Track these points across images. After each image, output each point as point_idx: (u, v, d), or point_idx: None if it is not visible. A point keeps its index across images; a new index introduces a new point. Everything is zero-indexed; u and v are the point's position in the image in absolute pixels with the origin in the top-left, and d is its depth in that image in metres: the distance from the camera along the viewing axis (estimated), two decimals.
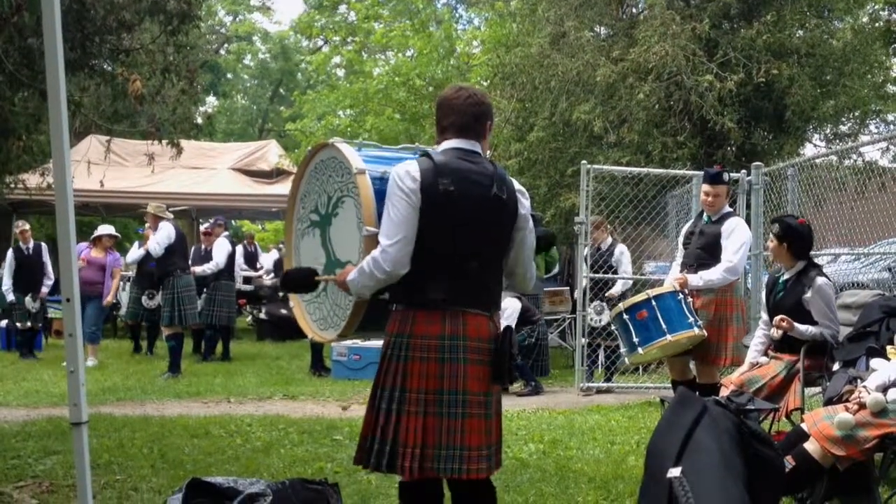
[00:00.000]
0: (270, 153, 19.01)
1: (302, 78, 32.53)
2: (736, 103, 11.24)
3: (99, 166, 12.93)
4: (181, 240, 10.91)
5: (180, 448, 6.01)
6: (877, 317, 5.22)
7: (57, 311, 13.89)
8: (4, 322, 13.25)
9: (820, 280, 5.54)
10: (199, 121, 14.45)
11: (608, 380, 9.84)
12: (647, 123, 11.64)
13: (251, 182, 17.86)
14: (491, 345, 3.30)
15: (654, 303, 6.04)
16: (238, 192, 17.34)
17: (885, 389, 4.30)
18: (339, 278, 3.39)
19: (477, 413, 3.24)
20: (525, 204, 3.48)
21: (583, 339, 9.51)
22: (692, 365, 6.48)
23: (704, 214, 6.43)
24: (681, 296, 6.05)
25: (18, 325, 12.07)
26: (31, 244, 12.19)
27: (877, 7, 13.84)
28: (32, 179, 11.70)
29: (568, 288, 12.36)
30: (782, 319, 5.48)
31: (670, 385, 6.93)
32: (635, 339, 6.07)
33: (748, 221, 8.88)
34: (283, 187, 15.95)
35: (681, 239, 6.71)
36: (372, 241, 3.31)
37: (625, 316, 6.14)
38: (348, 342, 9.57)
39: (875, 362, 4.73)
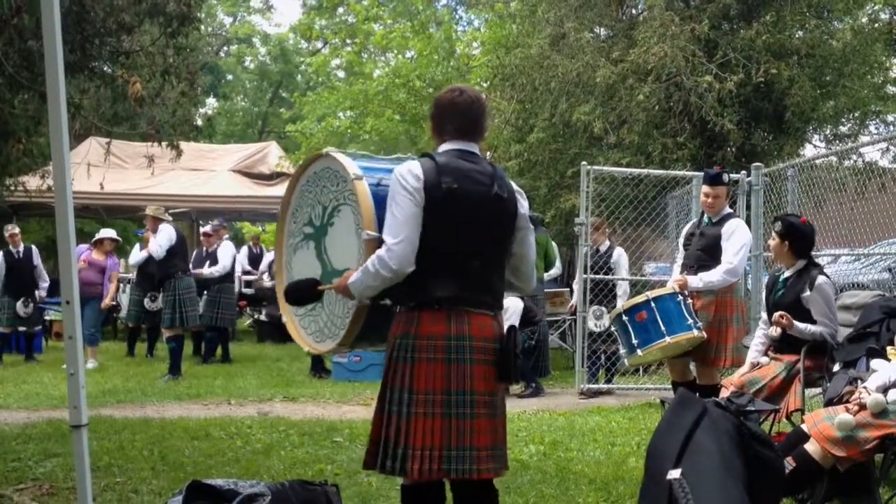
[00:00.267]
0: (271, 155, 19.01)
1: (302, 80, 32.55)
2: (736, 104, 11.24)
3: (99, 168, 12.96)
4: (182, 242, 10.90)
5: (180, 450, 6.01)
6: (877, 317, 5.21)
7: (57, 314, 13.90)
8: None
9: (820, 278, 5.54)
10: (199, 122, 14.44)
11: (608, 381, 9.81)
12: (646, 124, 11.64)
13: (251, 184, 17.85)
14: (496, 344, 3.31)
15: (653, 304, 6.04)
16: (238, 194, 17.33)
17: (885, 390, 4.29)
18: (340, 283, 3.38)
19: (484, 413, 3.26)
20: (524, 204, 3.50)
21: (583, 342, 9.49)
22: (692, 366, 6.48)
23: (705, 216, 6.43)
24: (680, 297, 6.04)
25: (7, 329, 12.02)
26: (21, 248, 12.10)
27: (876, 7, 13.84)
28: (32, 182, 11.71)
29: (568, 289, 12.35)
30: (781, 316, 5.48)
31: (670, 386, 6.93)
32: (634, 341, 6.07)
33: (748, 222, 8.88)
34: (283, 189, 15.94)
35: (681, 240, 6.71)
36: (372, 244, 3.32)
37: (624, 317, 6.15)
38: None
39: (875, 363, 4.72)
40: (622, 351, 6.38)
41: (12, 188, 12.69)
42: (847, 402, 4.36)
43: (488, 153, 15.68)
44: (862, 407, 4.17)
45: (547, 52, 12.45)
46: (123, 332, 14.97)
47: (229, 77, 33.97)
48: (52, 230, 18.10)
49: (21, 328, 12.16)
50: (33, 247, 12.52)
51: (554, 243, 11.36)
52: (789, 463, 4.19)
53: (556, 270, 11.17)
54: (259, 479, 4.51)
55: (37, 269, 12.13)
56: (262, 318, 15.59)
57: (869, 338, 5.11)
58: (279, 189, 16.85)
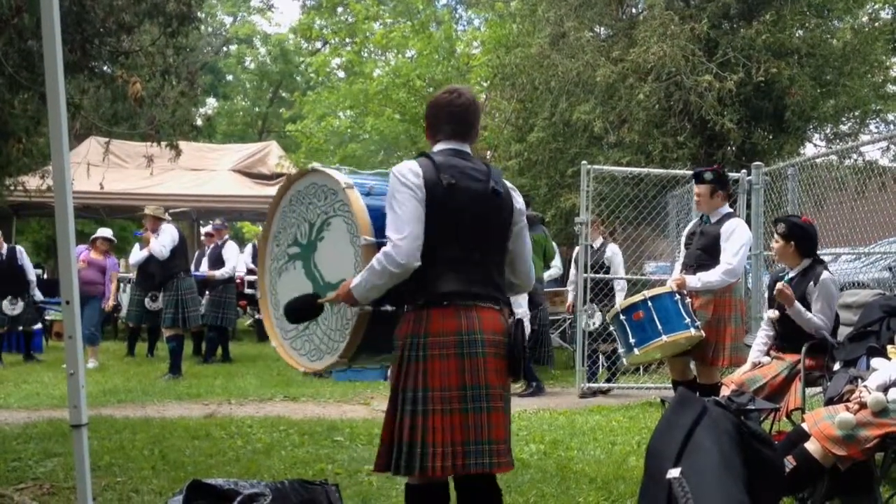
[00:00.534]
0: (271, 155, 19.02)
1: (301, 80, 32.54)
2: (736, 103, 11.25)
3: (99, 168, 12.95)
4: (183, 242, 10.90)
5: (181, 450, 6.01)
6: (877, 316, 5.21)
7: (56, 314, 13.90)
8: None
9: (825, 274, 5.56)
10: (199, 122, 14.45)
11: (608, 380, 9.79)
12: (646, 124, 11.64)
13: (252, 183, 17.86)
14: (505, 338, 3.34)
15: (650, 303, 6.04)
16: (239, 194, 17.34)
17: (885, 389, 4.29)
18: (342, 290, 3.38)
19: (498, 406, 3.29)
20: (519, 200, 3.54)
21: (582, 341, 9.48)
22: (693, 365, 6.48)
23: (705, 215, 6.44)
24: (678, 296, 6.04)
25: None
26: (3, 249, 12.04)
27: (877, 6, 13.85)
28: (32, 182, 11.71)
29: (568, 289, 12.36)
30: (786, 287, 5.49)
31: (671, 385, 6.93)
32: (632, 340, 6.08)
33: (748, 221, 8.89)
34: None
35: (683, 239, 6.72)
36: (370, 249, 3.35)
37: (621, 317, 6.16)
38: None
39: (876, 362, 4.72)
40: (621, 350, 6.38)
41: (12, 188, 12.70)
42: (847, 400, 4.36)
43: (488, 152, 15.70)
44: (862, 406, 4.17)
45: (547, 52, 12.46)
46: (124, 331, 14.97)
47: (229, 77, 33.97)
48: (52, 230, 18.13)
49: (18, 327, 12.11)
50: (17, 246, 12.44)
51: (553, 243, 11.35)
52: (790, 462, 4.19)
53: (556, 270, 11.12)
54: (259, 479, 4.51)
55: (22, 269, 12.02)
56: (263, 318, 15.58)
57: (869, 336, 5.11)
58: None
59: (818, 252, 5.90)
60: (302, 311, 3.58)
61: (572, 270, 10.28)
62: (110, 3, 7.38)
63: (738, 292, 6.31)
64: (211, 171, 18.22)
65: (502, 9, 16.98)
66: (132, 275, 12.70)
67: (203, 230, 14.32)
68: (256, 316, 16.04)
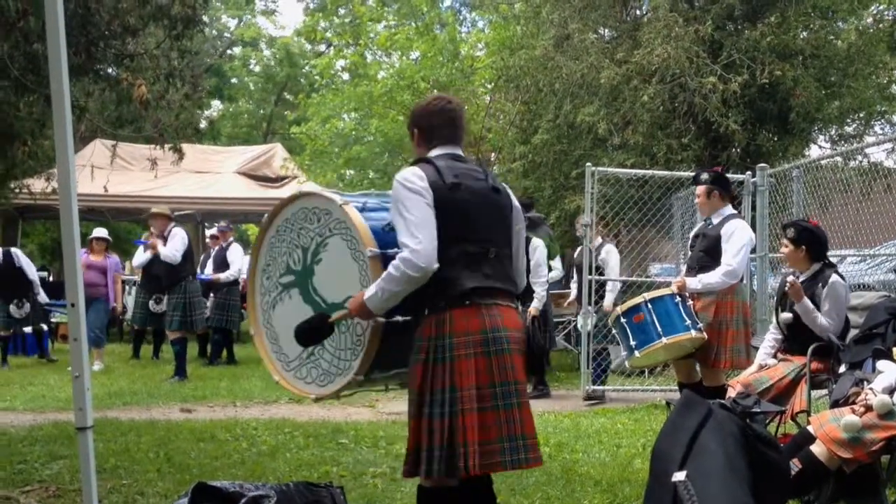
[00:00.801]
0: (276, 157, 19.04)
1: (306, 82, 32.56)
2: (740, 105, 11.23)
3: (103, 171, 12.98)
4: (190, 244, 10.92)
5: (186, 452, 6.01)
6: (883, 318, 5.20)
7: (62, 316, 13.92)
8: None
9: (834, 277, 5.55)
10: (204, 125, 14.47)
11: (603, 382, 9.68)
12: (651, 125, 11.63)
13: (256, 186, 17.89)
14: (524, 335, 3.41)
15: (649, 306, 6.06)
16: (243, 196, 17.36)
17: (891, 391, 4.28)
18: (354, 305, 3.37)
19: (525, 402, 3.35)
20: (514, 198, 3.64)
21: (587, 343, 9.44)
22: (699, 367, 6.47)
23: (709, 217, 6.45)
24: (678, 298, 6.05)
25: (3, 332, 12.02)
26: None
27: (881, 8, 13.82)
28: (38, 184, 11.73)
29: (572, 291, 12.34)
30: (796, 281, 5.49)
31: (677, 387, 6.92)
32: (632, 343, 6.09)
33: (753, 223, 8.88)
34: (289, 191, 15.97)
35: (689, 242, 6.72)
36: (376, 261, 3.37)
37: (622, 319, 6.18)
38: None
39: (881, 364, 4.71)
40: (623, 353, 6.38)
41: (17, 190, 12.72)
42: (853, 403, 4.35)
43: (493, 154, 15.69)
44: (868, 408, 4.16)
45: (551, 54, 12.45)
46: (129, 334, 14.99)
47: (233, 80, 33.99)
48: (57, 232, 18.15)
49: (25, 328, 12.13)
50: (13, 249, 12.43)
51: (556, 244, 11.31)
52: (795, 465, 4.19)
53: (556, 273, 11.05)
54: (264, 481, 4.51)
55: (21, 271, 12.01)
56: None
57: (875, 339, 5.10)
58: (284, 191, 16.88)
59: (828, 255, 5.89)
60: (313, 332, 3.54)
61: (584, 272, 10.19)
62: (115, 5, 7.40)
63: (741, 294, 6.30)
64: (216, 173, 18.25)
65: (506, 11, 16.98)
66: (137, 277, 12.71)
67: (209, 233, 14.32)
68: None
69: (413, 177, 3.30)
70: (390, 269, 3.22)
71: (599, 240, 9.78)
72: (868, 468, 4.22)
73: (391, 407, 8.47)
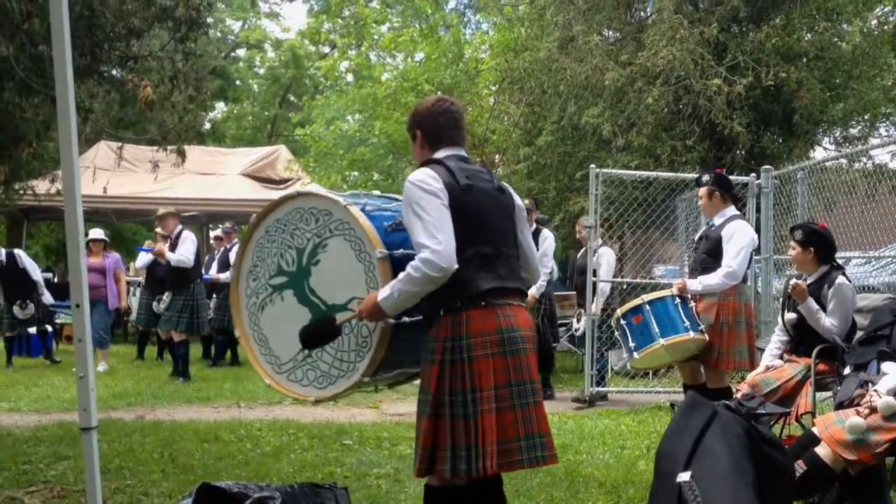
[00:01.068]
0: (280, 159, 19.06)
1: (310, 83, 32.58)
2: (745, 107, 11.22)
3: (107, 172, 12.99)
4: (198, 247, 10.94)
5: (190, 453, 6.02)
6: (888, 320, 5.19)
7: (67, 317, 13.93)
8: None
9: (840, 279, 5.55)
10: (208, 126, 14.49)
11: (599, 383, 9.61)
12: (655, 127, 11.63)
13: (261, 187, 17.90)
14: (535, 333, 3.42)
15: (647, 307, 6.07)
16: (248, 198, 17.37)
17: (895, 393, 4.28)
18: (365, 307, 3.36)
19: (540, 400, 3.37)
20: (516, 196, 3.66)
21: (592, 345, 9.41)
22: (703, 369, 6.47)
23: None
24: (678, 300, 6.05)
25: (8, 333, 12.04)
26: (2, 255, 12.03)
27: (886, 10, 13.81)
28: (42, 186, 11.75)
29: (575, 292, 12.33)
30: (801, 282, 5.49)
31: (682, 389, 6.92)
32: (632, 344, 6.11)
33: (758, 225, 8.88)
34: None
35: (693, 244, 6.73)
36: (385, 262, 3.37)
37: (622, 321, 6.19)
38: None
39: (886, 366, 4.70)
40: (625, 355, 6.38)
41: (22, 192, 12.74)
42: (858, 405, 4.34)
43: (497, 156, 15.69)
44: (873, 410, 4.16)
45: (555, 56, 12.45)
46: (133, 335, 15.01)
47: (238, 82, 34.03)
48: (61, 233, 18.15)
49: (30, 329, 12.12)
50: (16, 251, 12.44)
51: (559, 245, 11.28)
52: (800, 466, 4.18)
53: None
54: (268, 482, 4.52)
55: (24, 272, 12.03)
56: None
57: (880, 341, 5.09)
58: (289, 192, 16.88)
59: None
60: (321, 335, 3.53)
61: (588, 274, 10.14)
62: (119, 7, 7.41)
63: (743, 296, 6.28)
64: (220, 175, 18.28)
65: (511, 13, 16.98)
66: (141, 278, 12.72)
67: (213, 234, 14.34)
68: None
69: (428, 178, 3.30)
70: (409, 270, 3.20)
71: (599, 241, 9.67)
72: (873, 470, 4.22)
73: (395, 408, 8.47)
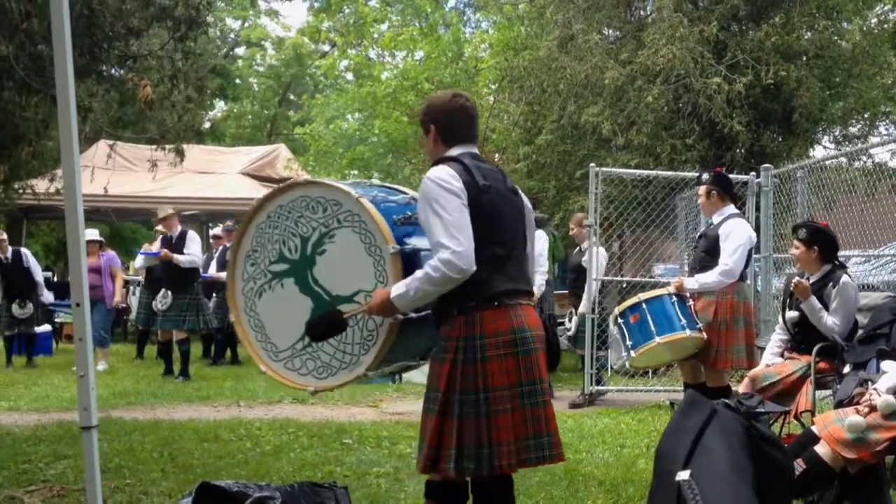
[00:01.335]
0: (280, 158, 19.05)
1: (311, 82, 32.57)
2: (744, 105, 11.22)
3: (106, 171, 12.97)
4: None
5: (190, 452, 6.02)
6: (887, 319, 5.19)
7: (67, 316, 13.93)
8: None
9: (845, 278, 5.56)
10: (208, 125, 14.48)
11: (598, 382, 9.56)
12: (655, 126, 11.63)
13: (260, 186, 17.88)
14: (543, 333, 3.44)
15: (644, 306, 6.09)
16: (248, 197, 17.35)
17: (895, 392, 4.27)
18: (375, 302, 3.33)
19: (549, 400, 3.40)
20: (526, 199, 3.67)
21: (592, 344, 9.39)
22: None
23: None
24: (675, 298, 6.06)
25: (7, 332, 12.03)
26: (9, 252, 12.03)
27: (886, 8, 13.81)
28: (41, 185, 11.74)
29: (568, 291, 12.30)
30: (803, 280, 5.49)
31: (682, 388, 6.92)
32: (629, 343, 6.12)
33: (757, 223, 8.88)
34: None
35: (693, 243, 6.75)
36: (397, 257, 3.36)
37: (619, 320, 6.20)
38: None
39: (886, 364, 4.70)
40: (623, 354, 6.38)
41: (21, 191, 12.73)
42: (857, 403, 4.35)
43: (496, 155, 15.69)
44: (872, 409, 4.15)
45: (555, 54, 12.45)
46: (133, 334, 15.01)
47: (237, 80, 34.01)
48: (61, 232, 18.16)
49: (22, 329, 12.09)
50: (22, 249, 12.45)
51: (560, 244, 11.27)
52: (799, 465, 4.18)
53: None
54: (268, 481, 4.52)
55: (28, 272, 12.04)
56: None
57: (879, 339, 5.09)
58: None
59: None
60: (327, 328, 3.50)
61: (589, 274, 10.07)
62: (119, 7, 7.41)
63: (742, 294, 6.28)
64: (220, 174, 18.28)
65: (510, 11, 16.98)
66: (141, 277, 12.71)
67: (212, 232, 14.33)
68: None
69: (448, 176, 3.28)
70: (428, 269, 3.19)
71: (593, 239, 9.47)
72: (872, 468, 4.21)
73: (395, 407, 8.48)
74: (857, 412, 4.19)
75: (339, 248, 3.56)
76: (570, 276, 9.67)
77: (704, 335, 6.02)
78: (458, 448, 3.23)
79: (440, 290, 3.23)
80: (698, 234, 6.65)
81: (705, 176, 6.40)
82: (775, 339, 5.92)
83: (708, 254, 6.24)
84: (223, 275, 11.79)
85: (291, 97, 33.80)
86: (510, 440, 3.25)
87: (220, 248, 12.52)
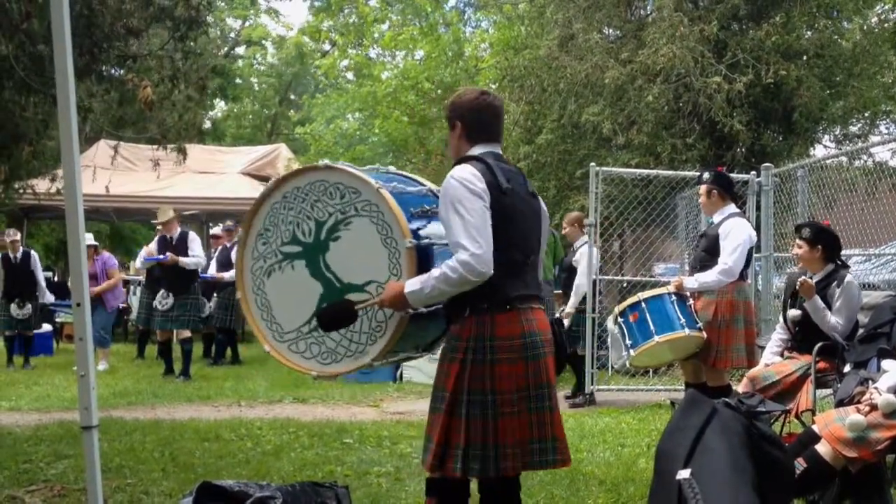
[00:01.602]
0: (280, 157, 19.04)
1: (311, 81, 32.56)
2: (745, 105, 11.22)
3: (107, 171, 12.98)
4: None
5: (191, 452, 6.02)
6: (888, 318, 5.19)
7: (67, 316, 13.92)
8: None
9: (848, 277, 5.56)
10: (208, 125, 14.48)
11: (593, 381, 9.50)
12: (655, 125, 11.63)
13: (261, 186, 17.82)
14: (552, 336, 3.44)
15: (643, 305, 6.09)
16: (248, 197, 17.34)
17: None
18: (388, 296, 3.32)
19: (556, 404, 3.39)
20: (543, 203, 3.66)
21: (593, 344, 9.38)
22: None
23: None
24: (674, 298, 6.06)
25: (7, 332, 12.05)
26: (19, 253, 12.09)
27: (886, 7, 13.81)
28: (42, 185, 11.75)
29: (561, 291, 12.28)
30: (808, 279, 5.49)
31: (683, 387, 6.92)
32: (628, 342, 6.13)
33: (758, 223, 8.87)
34: None
35: (695, 242, 6.75)
36: (413, 252, 3.34)
37: (619, 319, 6.20)
38: None
39: (886, 363, 4.70)
40: (623, 353, 6.38)
41: (21, 191, 12.73)
42: (858, 402, 4.34)
43: None
44: (873, 408, 4.15)
45: (555, 54, 12.45)
46: (134, 334, 15.01)
47: (238, 80, 33.99)
48: (62, 232, 18.18)
49: (20, 329, 12.09)
50: (32, 252, 12.49)
51: (560, 244, 11.27)
52: (800, 464, 4.18)
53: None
54: (269, 481, 4.52)
55: (33, 275, 12.07)
56: None
57: (880, 338, 5.09)
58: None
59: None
60: (338, 318, 3.49)
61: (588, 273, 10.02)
62: (118, 7, 7.41)
63: (742, 293, 6.28)
64: (220, 173, 18.26)
65: (510, 11, 16.99)
66: (141, 277, 12.72)
67: (211, 232, 14.34)
68: None
69: (472, 177, 3.26)
70: (446, 269, 3.18)
71: (585, 238, 9.36)
72: (873, 467, 4.21)
73: (395, 407, 8.48)
74: (858, 411, 4.19)
75: (355, 237, 3.53)
76: (563, 275, 9.67)
77: (704, 334, 6.02)
78: (465, 448, 3.24)
79: (455, 291, 3.22)
80: (699, 233, 6.65)
81: (706, 175, 6.40)
82: (775, 338, 5.92)
83: (708, 253, 6.24)
84: (224, 275, 11.85)
85: (292, 97, 33.80)
86: (515, 443, 3.25)
87: (220, 248, 12.52)
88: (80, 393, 3.27)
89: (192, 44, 8.28)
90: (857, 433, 4.08)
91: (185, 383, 9.95)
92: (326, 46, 29.49)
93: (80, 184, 3.30)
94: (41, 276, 12.34)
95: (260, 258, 3.74)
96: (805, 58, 11.76)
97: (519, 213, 3.37)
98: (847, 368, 5.12)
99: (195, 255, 10.44)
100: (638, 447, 6.39)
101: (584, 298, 9.14)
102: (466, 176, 3.26)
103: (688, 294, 6.16)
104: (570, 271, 9.39)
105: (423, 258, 3.38)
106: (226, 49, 33.77)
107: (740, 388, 5.61)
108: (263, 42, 34.12)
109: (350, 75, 24.98)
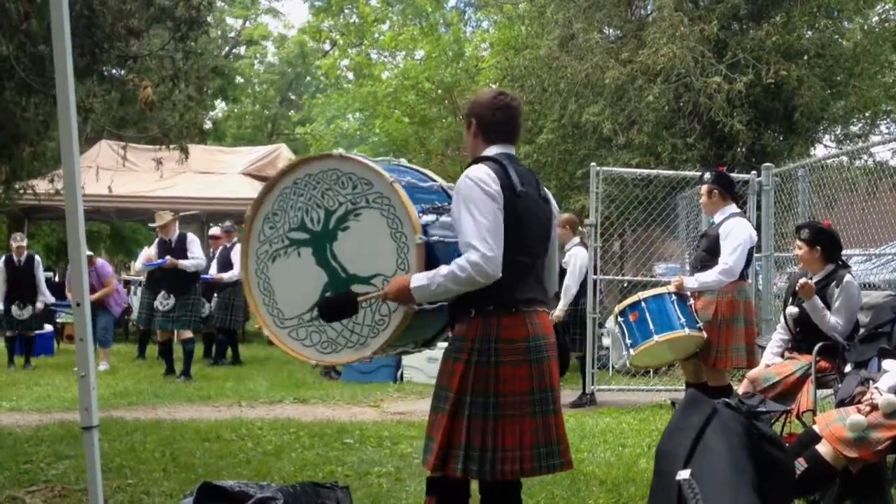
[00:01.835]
0: (281, 158, 19.02)
1: (311, 81, 32.55)
2: (745, 104, 11.22)
3: (109, 171, 13.00)
4: None
5: (192, 452, 6.02)
6: (888, 317, 5.19)
7: (68, 316, 13.93)
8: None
9: (848, 277, 5.55)
10: (209, 125, 14.49)
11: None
12: (656, 125, 11.63)
13: (261, 186, 17.87)
14: (555, 339, 3.43)
15: (643, 304, 6.09)
16: (249, 197, 17.32)
17: None
18: (393, 290, 3.31)
19: (559, 408, 3.38)
20: (555, 205, 3.64)
21: (593, 344, 9.38)
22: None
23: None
24: (674, 297, 6.06)
25: (9, 333, 12.07)
26: (24, 256, 12.11)
27: (887, 7, 13.81)
28: (42, 185, 11.76)
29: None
30: (809, 279, 5.49)
31: (684, 387, 6.92)
32: (628, 341, 6.12)
33: (759, 222, 8.87)
34: None
35: (696, 242, 6.75)
36: (422, 248, 3.33)
37: (619, 319, 6.20)
38: None
39: (887, 363, 4.69)
40: (624, 353, 6.38)
41: (22, 191, 12.74)
42: (859, 402, 4.34)
43: None
44: (874, 408, 4.15)
45: (556, 53, 12.46)
46: (134, 334, 15.01)
47: (238, 80, 34.01)
48: (62, 233, 18.18)
49: (21, 330, 12.09)
50: (35, 255, 12.51)
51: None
52: (801, 464, 4.17)
53: None
54: (270, 481, 4.52)
55: (35, 279, 12.09)
56: None
57: (880, 338, 5.09)
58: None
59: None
60: (339, 309, 3.46)
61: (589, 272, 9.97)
62: (119, 7, 7.41)
63: (743, 293, 6.28)
64: (221, 174, 18.25)
65: (511, 11, 16.99)
66: (142, 277, 12.71)
67: (210, 232, 14.32)
68: None
69: (488, 178, 3.25)
70: (455, 268, 3.16)
71: (576, 240, 9.31)
72: (874, 468, 4.21)
73: (396, 407, 8.48)
74: (859, 411, 4.18)
75: (364, 228, 3.51)
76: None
77: (704, 334, 6.01)
78: (466, 449, 3.24)
79: (461, 290, 3.21)
80: (700, 233, 6.65)
81: (707, 175, 6.40)
82: (776, 338, 5.91)
83: (709, 253, 6.23)
84: (224, 275, 11.85)
85: (292, 97, 33.80)
86: (515, 446, 3.24)
87: (220, 248, 12.51)
88: (81, 393, 3.27)
89: (192, 44, 8.28)
90: (857, 433, 4.07)
91: (186, 383, 9.95)
92: (327, 46, 29.50)
93: (80, 184, 3.30)
94: (43, 280, 12.36)
95: (266, 242, 3.71)
96: (806, 57, 11.76)
97: (531, 217, 3.36)
98: (848, 368, 5.12)
99: (195, 256, 10.45)
100: (639, 447, 6.39)
101: (576, 300, 9.11)
102: (482, 176, 3.25)
103: (688, 294, 6.16)
104: (561, 273, 9.33)
105: (431, 255, 3.37)
106: (226, 49, 33.79)
107: (741, 389, 5.60)
108: (263, 42, 34.15)
109: (350, 75, 24.97)
